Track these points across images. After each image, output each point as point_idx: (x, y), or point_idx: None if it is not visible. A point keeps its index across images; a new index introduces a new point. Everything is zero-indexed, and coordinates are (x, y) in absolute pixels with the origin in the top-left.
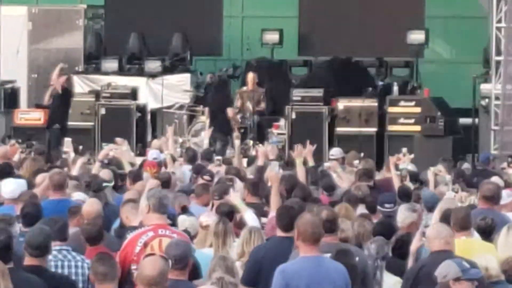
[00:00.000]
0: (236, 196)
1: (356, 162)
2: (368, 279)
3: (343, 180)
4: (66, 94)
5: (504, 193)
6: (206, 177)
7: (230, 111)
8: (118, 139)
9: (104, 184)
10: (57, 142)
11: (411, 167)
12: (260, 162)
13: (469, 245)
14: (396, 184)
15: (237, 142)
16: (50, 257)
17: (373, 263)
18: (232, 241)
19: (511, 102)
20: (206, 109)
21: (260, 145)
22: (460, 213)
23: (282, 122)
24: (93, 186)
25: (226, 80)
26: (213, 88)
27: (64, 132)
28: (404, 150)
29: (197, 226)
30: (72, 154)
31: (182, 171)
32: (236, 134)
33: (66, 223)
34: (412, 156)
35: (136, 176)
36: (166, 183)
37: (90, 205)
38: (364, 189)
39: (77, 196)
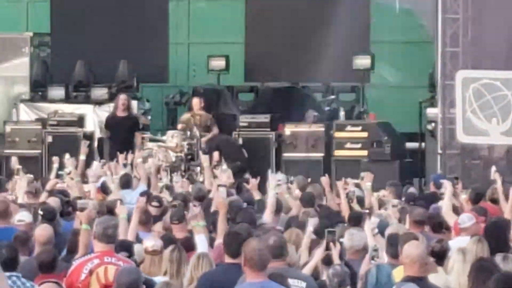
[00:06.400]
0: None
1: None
2: None
3: (292, 205)
4: None
5: (465, 216)
6: (155, 204)
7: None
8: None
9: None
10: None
11: (366, 189)
12: (210, 187)
13: None
14: (344, 208)
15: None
16: None
17: None
18: (186, 269)
19: (452, 126)
20: None
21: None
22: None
23: None
24: (46, 215)
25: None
26: None
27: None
28: (363, 174)
29: (142, 253)
30: (21, 174)
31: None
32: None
33: (15, 250)
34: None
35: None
36: (113, 210)
37: (43, 229)
38: (312, 214)
39: (20, 216)
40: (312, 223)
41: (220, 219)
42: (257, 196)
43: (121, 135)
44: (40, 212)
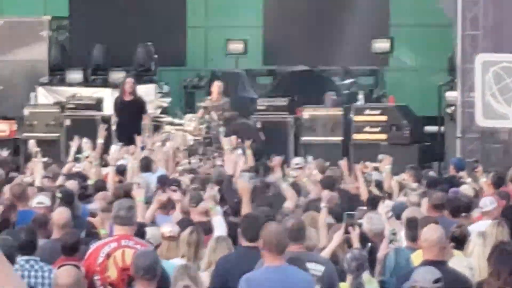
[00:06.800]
0: (209, 199)
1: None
2: None
3: (310, 189)
4: None
5: (487, 200)
6: (173, 187)
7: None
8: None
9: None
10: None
11: (386, 172)
12: (230, 171)
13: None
14: (363, 192)
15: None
16: (17, 267)
17: (354, 282)
18: (203, 252)
19: (471, 109)
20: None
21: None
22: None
23: None
24: (64, 198)
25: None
26: None
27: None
28: (381, 156)
29: (158, 237)
30: (39, 156)
31: (146, 180)
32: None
33: (33, 233)
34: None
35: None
36: (129, 193)
37: (61, 213)
38: (334, 197)
39: (39, 199)
40: (325, 197)
41: (244, 203)
42: (278, 174)
43: (129, 119)
44: (59, 195)
